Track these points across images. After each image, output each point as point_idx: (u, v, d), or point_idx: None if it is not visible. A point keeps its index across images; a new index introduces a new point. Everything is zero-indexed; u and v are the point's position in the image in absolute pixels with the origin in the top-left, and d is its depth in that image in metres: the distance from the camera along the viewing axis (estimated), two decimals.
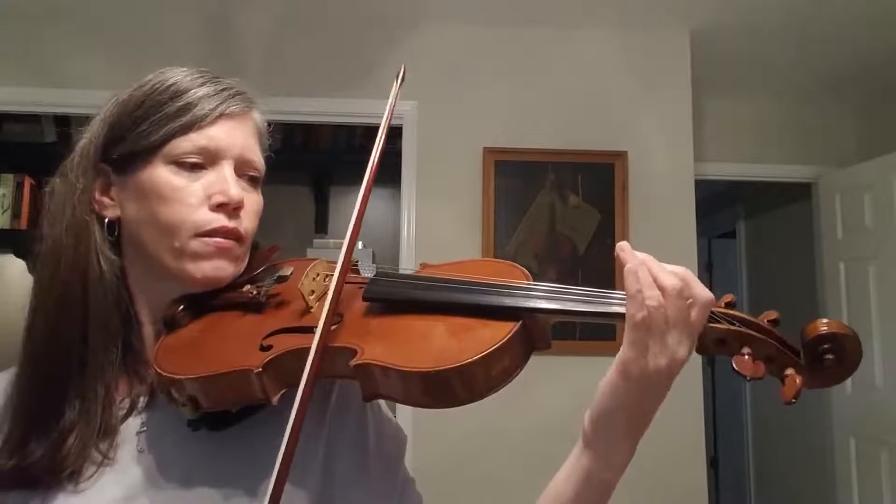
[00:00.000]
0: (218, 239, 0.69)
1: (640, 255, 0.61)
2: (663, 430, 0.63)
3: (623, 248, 0.62)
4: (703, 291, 0.60)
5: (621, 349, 0.60)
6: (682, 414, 2.61)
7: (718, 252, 5.04)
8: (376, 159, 0.69)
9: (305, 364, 0.59)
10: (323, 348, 0.60)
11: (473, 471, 2.55)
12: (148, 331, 0.73)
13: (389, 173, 2.79)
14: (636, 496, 2.56)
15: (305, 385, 0.57)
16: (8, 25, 2.75)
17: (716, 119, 3.44)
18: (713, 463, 4.66)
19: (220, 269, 0.70)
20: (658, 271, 0.60)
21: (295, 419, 0.56)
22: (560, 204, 2.75)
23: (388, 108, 0.72)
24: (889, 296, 2.96)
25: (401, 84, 0.75)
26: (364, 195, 0.67)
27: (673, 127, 2.86)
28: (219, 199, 0.69)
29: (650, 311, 0.58)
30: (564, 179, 2.76)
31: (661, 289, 0.59)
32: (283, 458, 0.55)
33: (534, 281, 0.66)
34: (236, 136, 0.72)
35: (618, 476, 0.64)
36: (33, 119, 3.28)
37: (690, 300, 0.59)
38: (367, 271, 0.73)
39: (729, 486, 4.68)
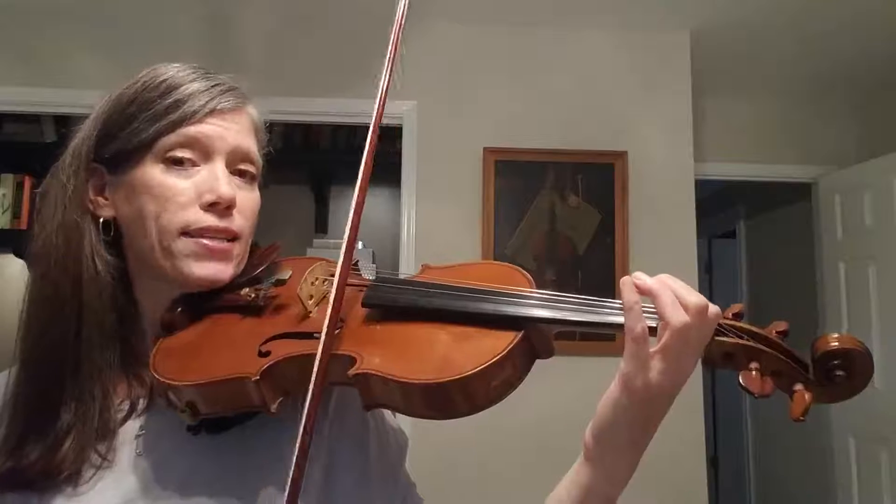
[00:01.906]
0: (206, 240, 0.68)
1: (656, 278, 0.59)
2: (663, 429, 0.62)
3: (639, 275, 0.60)
4: (712, 306, 0.58)
5: (621, 363, 0.59)
6: (682, 414, 2.59)
7: (718, 252, 5.03)
8: (379, 109, 0.66)
9: (304, 371, 0.57)
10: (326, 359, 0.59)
11: (472, 471, 2.55)
12: (147, 332, 0.72)
13: (389, 173, 2.79)
14: (636, 496, 2.56)
15: (311, 399, 0.55)
16: (8, 25, 2.75)
17: (716, 119, 3.43)
18: (713, 463, 4.65)
19: (217, 270, 0.69)
20: (680, 290, 0.58)
21: (303, 432, 0.54)
22: (560, 204, 2.75)
23: (393, 34, 0.68)
24: (889, 296, 2.96)
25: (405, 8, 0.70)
26: (363, 178, 0.63)
27: (673, 127, 2.86)
28: (209, 197, 0.67)
29: (674, 331, 0.56)
30: (564, 179, 2.76)
31: (686, 307, 0.57)
32: (293, 475, 0.53)
33: (536, 284, 0.64)
34: (228, 131, 0.70)
35: (619, 490, 0.63)
36: (33, 119, 3.28)
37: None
38: (367, 272, 0.73)
39: (729, 486, 4.68)
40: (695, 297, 0.57)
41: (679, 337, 0.57)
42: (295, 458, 0.54)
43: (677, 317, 0.56)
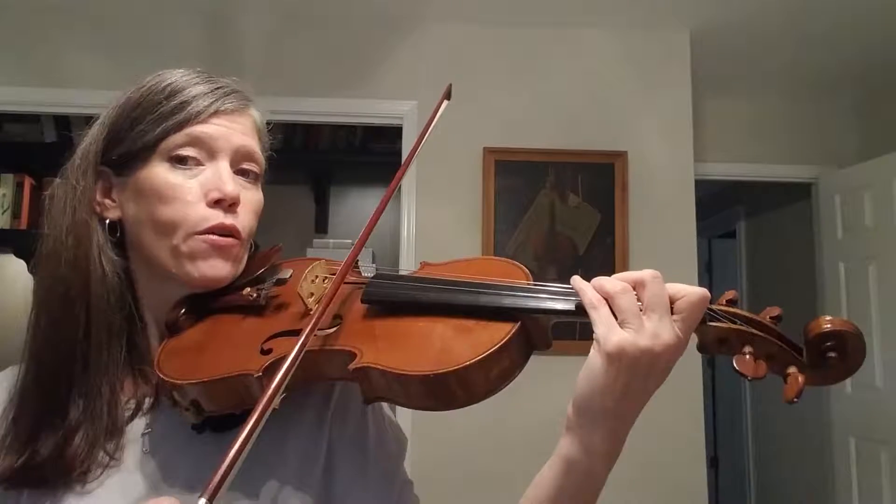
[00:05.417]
0: (214, 237, 0.69)
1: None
2: (663, 430, 0.62)
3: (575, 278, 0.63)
4: (690, 288, 0.59)
5: (595, 331, 0.59)
6: (682, 414, 2.61)
7: (718, 252, 5.04)
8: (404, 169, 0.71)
9: (306, 367, 0.58)
10: (319, 352, 0.59)
11: (472, 470, 2.55)
12: (153, 331, 0.73)
13: (389, 173, 2.79)
14: (636, 495, 2.57)
15: (275, 386, 0.53)
16: (8, 25, 2.75)
17: (716, 119, 3.43)
18: (713, 463, 4.66)
19: (218, 268, 0.70)
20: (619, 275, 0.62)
21: (252, 424, 0.50)
22: (560, 204, 2.75)
23: (432, 124, 0.73)
24: (889, 296, 2.96)
25: (444, 99, 0.77)
26: (380, 206, 0.67)
27: (673, 127, 2.86)
28: (214, 195, 0.69)
29: (615, 294, 0.58)
30: (564, 179, 2.76)
31: (631, 280, 0.60)
32: (229, 462, 0.49)
33: (534, 280, 0.65)
34: (232, 131, 0.72)
35: (598, 466, 0.60)
36: (33, 119, 3.28)
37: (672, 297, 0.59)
38: (368, 271, 0.73)
39: (729, 486, 4.68)
40: (630, 272, 0.60)
41: (623, 298, 0.58)
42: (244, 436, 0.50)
43: (611, 285, 0.59)
